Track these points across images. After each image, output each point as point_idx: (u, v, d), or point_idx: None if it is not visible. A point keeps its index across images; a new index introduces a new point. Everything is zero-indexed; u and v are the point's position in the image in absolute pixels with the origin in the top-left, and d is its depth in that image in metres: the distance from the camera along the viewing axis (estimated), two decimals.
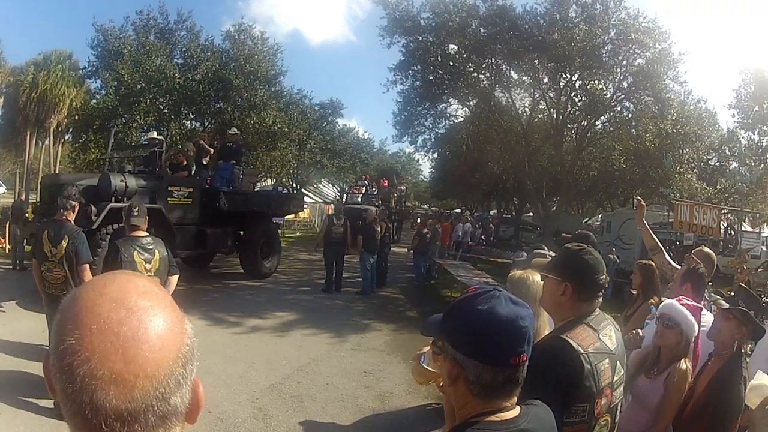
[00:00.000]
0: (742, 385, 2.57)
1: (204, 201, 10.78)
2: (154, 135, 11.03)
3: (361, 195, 24.75)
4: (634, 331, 2.97)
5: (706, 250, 4.23)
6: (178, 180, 10.44)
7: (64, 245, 4.88)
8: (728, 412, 2.52)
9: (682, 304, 2.76)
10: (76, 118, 21.43)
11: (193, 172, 11.27)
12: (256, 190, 13.94)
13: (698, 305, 2.86)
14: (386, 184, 27.03)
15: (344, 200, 25.89)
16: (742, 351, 2.80)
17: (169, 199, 9.90)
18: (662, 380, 2.66)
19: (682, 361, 2.68)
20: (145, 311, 0.67)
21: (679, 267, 4.02)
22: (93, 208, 8.20)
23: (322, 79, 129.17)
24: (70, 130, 23.88)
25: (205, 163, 12.58)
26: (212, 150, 13.01)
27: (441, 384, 1.26)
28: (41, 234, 4.98)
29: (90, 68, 21.86)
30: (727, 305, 2.85)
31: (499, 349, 1.12)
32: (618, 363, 1.81)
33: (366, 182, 26.79)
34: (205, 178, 11.92)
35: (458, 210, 39.20)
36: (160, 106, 20.62)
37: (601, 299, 1.89)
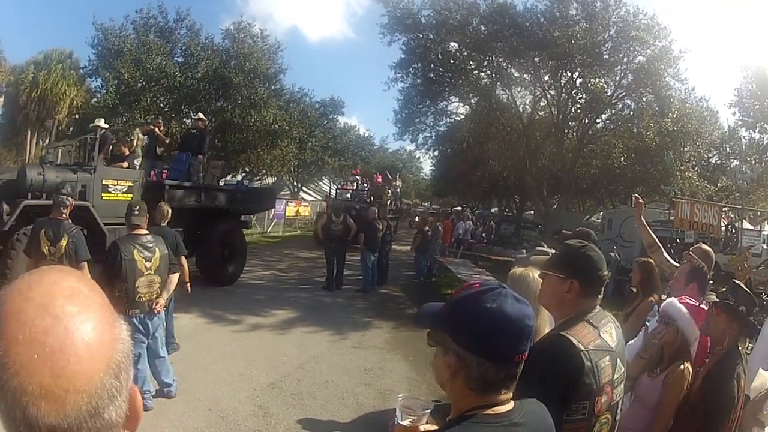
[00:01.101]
0: (734, 381, 2.56)
1: (148, 197, 9.20)
2: (100, 123, 9.91)
3: (351, 191, 23.74)
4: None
5: (704, 247, 4.22)
6: (114, 173, 9.12)
7: (64, 244, 4.86)
8: (721, 408, 2.52)
9: (682, 303, 2.76)
10: (77, 117, 21.51)
11: (137, 163, 9.92)
12: (219, 184, 12.29)
13: (703, 307, 2.86)
14: (380, 180, 25.79)
15: (335, 196, 24.93)
16: (739, 347, 2.80)
17: (103, 194, 8.73)
18: (662, 380, 2.66)
19: (682, 362, 2.68)
20: (71, 318, 0.62)
21: (677, 264, 4.01)
22: (5, 206, 7.27)
23: (321, 77, 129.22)
24: (71, 129, 23.95)
25: (159, 153, 11.53)
26: (167, 139, 11.93)
27: None
28: (38, 233, 4.93)
29: (90, 67, 21.90)
30: (717, 299, 2.85)
31: (505, 347, 1.15)
32: (618, 360, 1.80)
33: (357, 178, 25.63)
34: (160, 170, 10.75)
35: (459, 208, 39.19)
36: (161, 105, 20.66)
37: (602, 295, 1.89)
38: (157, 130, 11.43)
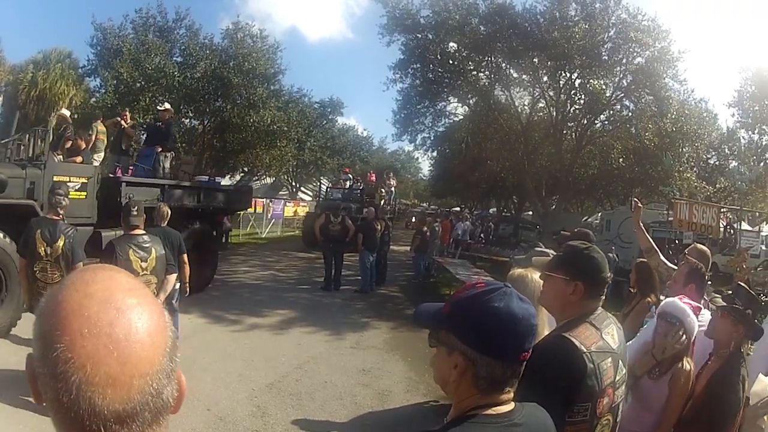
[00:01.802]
0: (740, 384, 2.56)
1: (103, 194, 8.46)
2: (64, 113, 9.12)
3: (342, 191, 22.44)
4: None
5: (700, 247, 4.22)
6: (66, 168, 8.24)
7: (61, 245, 4.82)
8: (726, 412, 2.52)
9: (684, 303, 2.75)
10: (76, 116, 21.42)
11: (98, 158, 9.06)
12: (185, 181, 10.94)
13: (698, 305, 2.85)
14: (373, 178, 25.16)
15: (325, 196, 24.02)
16: (741, 350, 2.79)
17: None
18: (665, 381, 2.63)
19: (685, 361, 2.64)
20: (133, 309, 0.67)
21: (674, 267, 4.00)
22: None
23: (319, 77, 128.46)
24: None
25: (125, 148, 10.70)
26: (134, 132, 11.11)
27: None
28: (34, 233, 4.83)
29: (89, 67, 21.94)
30: (723, 303, 2.84)
31: (514, 346, 1.16)
32: (620, 362, 1.80)
33: (349, 176, 24.29)
34: (126, 166, 9.83)
35: (458, 208, 39.20)
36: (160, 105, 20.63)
37: (604, 297, 1.89)
38: (123, 122, 10.70)
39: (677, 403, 2.59)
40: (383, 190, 22.57)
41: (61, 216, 5.04)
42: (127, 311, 0.66)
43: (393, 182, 23.58)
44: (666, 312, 2.74)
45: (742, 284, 3.00)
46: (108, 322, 0.64)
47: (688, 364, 2.63)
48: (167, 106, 11.40)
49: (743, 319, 2.67)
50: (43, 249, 4.80)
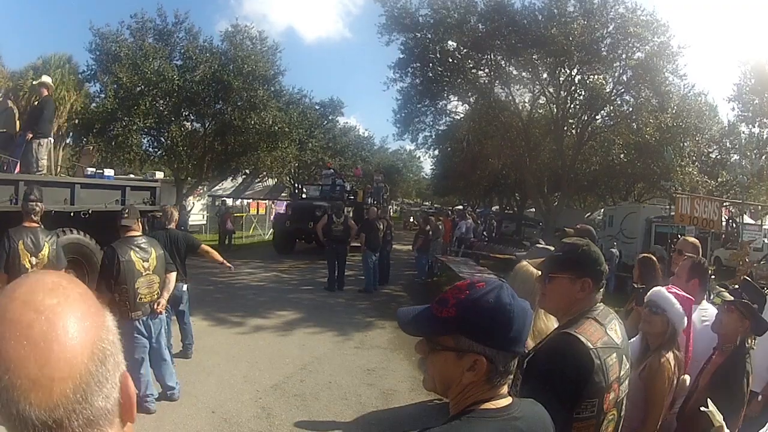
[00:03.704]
0: (745, 379, 2.55)
1: None
2: None
3: (319, 188, 21.20)
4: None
5: (690, 239, 4.20)
6: None
7: (46, 253, 4.68)
8: (731, 407, 2.50)
9: (670, 292, 2.71)
10: (76, 122, 21.42)
11: None
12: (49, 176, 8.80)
13: (689, 296, 2.80)
14: (360, 173, 24.29)
15: (300, 194, 22.16)
16: (746, 345, 2.78)
17: None
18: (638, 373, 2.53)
19: (666, 353, 2.53)
20: (52, 310, 0.65)
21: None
22: None
23: (317, 77, 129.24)
24: (71, 134, 23.92)
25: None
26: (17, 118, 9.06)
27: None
28: (16, 245, 4.52)
29: (89, 72, 21.88)
30: (731, 297, 2.83)
31: (525, 336, 1.22)
32: (624, 357, 1.81)
33: (331, 171, 22.88)
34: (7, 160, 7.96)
35: (460, 207, 39.17)
36: (160, 108, 20.62)
37: (603, 289, 1.90)
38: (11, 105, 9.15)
39: (655, 396, 2.48)
40: (369, 187, 21.54)
41: (37, 222, 4.83)
42: (46, 312, 0.64)
43: (380, 177, 22.39)
44: (650, 300, 2.71)
45: (748, 278, 2.99)
46: (27, 324, 0.63)
47: (666, 356, 2.51)
48: (44, 79, 9.09)
49: (750, 314, 2.65)
50: (27, 260, 4.58)
